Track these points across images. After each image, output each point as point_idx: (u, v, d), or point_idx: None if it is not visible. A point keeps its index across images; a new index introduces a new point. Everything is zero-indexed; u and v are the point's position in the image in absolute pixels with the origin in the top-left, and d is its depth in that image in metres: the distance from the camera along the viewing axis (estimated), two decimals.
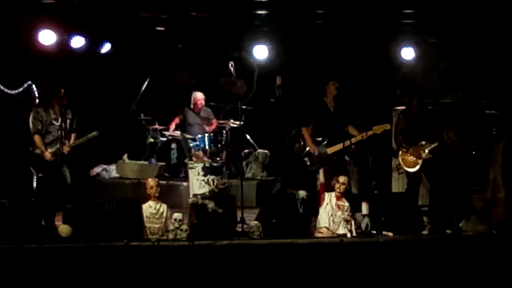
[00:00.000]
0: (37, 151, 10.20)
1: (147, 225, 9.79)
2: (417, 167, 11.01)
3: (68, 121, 10.30)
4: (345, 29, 12.10)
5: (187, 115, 13.27)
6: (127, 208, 9.83)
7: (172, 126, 13.27)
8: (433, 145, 10.97)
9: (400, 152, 11.15)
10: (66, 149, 10.16)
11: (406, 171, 11.21)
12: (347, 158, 11.58)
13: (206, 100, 13.33)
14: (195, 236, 9.62)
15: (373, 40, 12.19)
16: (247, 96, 13.23)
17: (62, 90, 10.22)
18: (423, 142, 10.98)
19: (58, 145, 10.17)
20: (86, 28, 11.51)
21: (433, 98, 11.86)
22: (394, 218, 10.20)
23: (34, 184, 10.56)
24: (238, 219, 10.23)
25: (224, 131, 12.88)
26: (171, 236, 9.67)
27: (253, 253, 9.50)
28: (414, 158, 10.98)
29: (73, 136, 10.35)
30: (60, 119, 10.18)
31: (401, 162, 11.18)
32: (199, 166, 11.74)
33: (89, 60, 12.14)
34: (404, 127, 11.15)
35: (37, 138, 10.24)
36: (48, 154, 10.14)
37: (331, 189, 10.48)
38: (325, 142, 10.98)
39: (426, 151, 10.94)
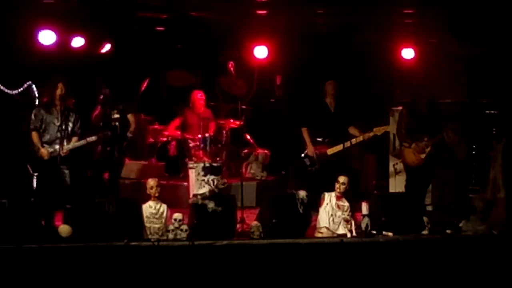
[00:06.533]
0: (35, 148, 10.23)
1: (147, 225, 9.78)
2: (421, 163, 10.97)
3: (70, 123, 10.33)
4: (345, 29, 12.09)
5: (187, 115, 13.26)
6: (127, 208, 9.83)
7: (172, 126, 13.26)
8: (435, 140, 10.93)
9: (402, 148, 11.11)
10: (63, 151, 10.17)
11: (408, 168, 11.17)
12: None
13: (206, 100, 13.31)
14: (195, 236, 9.62)
15: (373, 40, 12.18)
16: (247, 96, 13.22)
17: (62, 88, 10.24)
18: (426, 138, 10.95)
19: (55, 146, 10.18)
20: (86, 28, 11.51)
21: (433, 98, 11.83)
22: (394, 218, 10.20)
23: (34, 184, 10.56)
24: (238, 219, 10.24)
25: (224, 131, 12.86)
26: (171, 236, 9.66)
27: (253, 253, 9.50)
28: (418, 154, 10.95)
29: (73, 139, 10.36)
30: (61, 120, 10.20)
31: (404, 158, 11.14)
32: (199, 166, 11.72)
33: (89, 60, 12.13)
34: (407, 122, 11.10)
35: (34, 135, 10.30)
36: (43, 151, 10.16)
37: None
38: (326, 142, 11.01)
39: (430, 146, 10.91)
